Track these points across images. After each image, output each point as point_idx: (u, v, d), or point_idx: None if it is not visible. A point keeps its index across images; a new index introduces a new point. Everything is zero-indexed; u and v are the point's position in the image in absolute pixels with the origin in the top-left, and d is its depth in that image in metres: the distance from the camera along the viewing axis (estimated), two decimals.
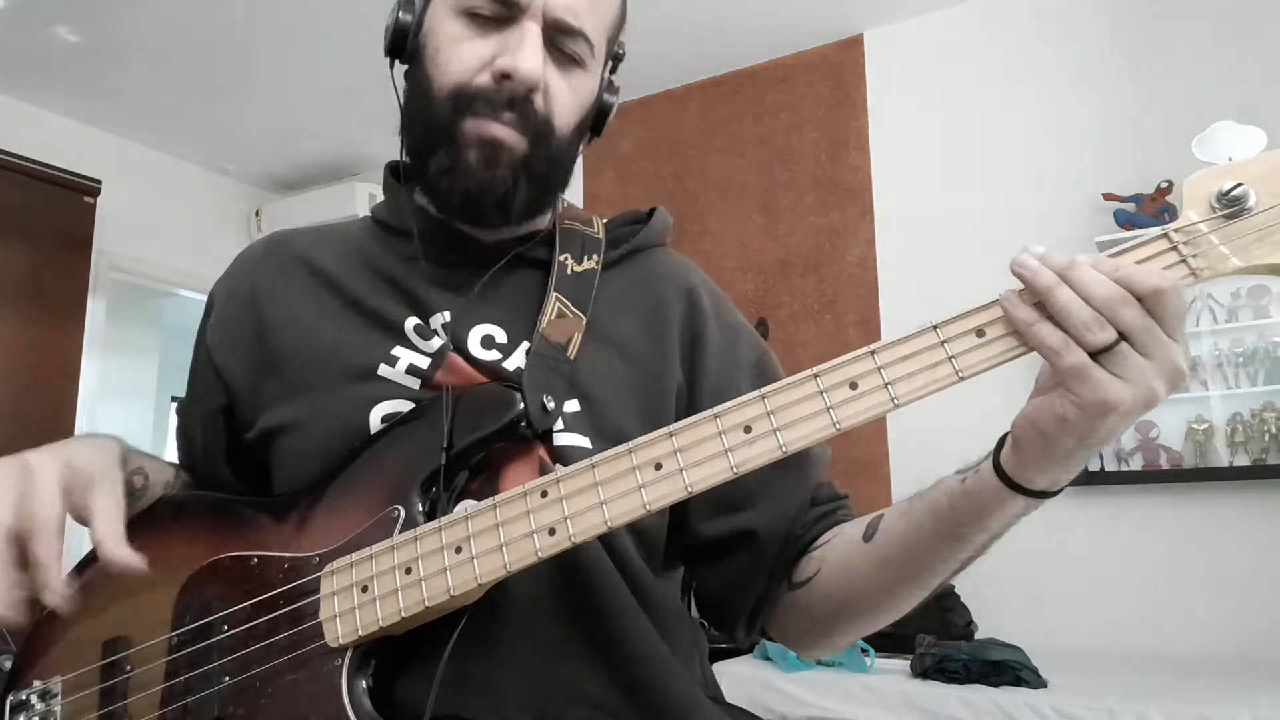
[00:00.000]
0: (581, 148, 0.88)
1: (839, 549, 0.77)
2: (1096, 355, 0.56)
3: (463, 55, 0.77)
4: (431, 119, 0.78)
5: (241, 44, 3.42)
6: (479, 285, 0.82)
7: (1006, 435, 0.63)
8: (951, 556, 0.68)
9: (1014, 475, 0.62)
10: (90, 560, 0.76)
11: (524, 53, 0.75)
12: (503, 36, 0.76)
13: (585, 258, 0.85)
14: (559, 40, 0.77)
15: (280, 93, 3.79)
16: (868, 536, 0.74)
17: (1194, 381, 2.73)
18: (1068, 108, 3.03)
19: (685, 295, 0.87)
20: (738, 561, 0.80)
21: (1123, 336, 0.56)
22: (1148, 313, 0.56)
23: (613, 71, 0.88)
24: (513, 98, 0.76)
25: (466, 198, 0.78)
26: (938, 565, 0.69)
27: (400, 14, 0.81)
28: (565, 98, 0.79)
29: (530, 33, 0.75)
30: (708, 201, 3.69)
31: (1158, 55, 2.92)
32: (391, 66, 0.84)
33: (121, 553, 0.68)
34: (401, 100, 0.83)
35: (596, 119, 0.86)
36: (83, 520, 0.70)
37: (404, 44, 0.81)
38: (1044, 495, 0.62)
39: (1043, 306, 0.57)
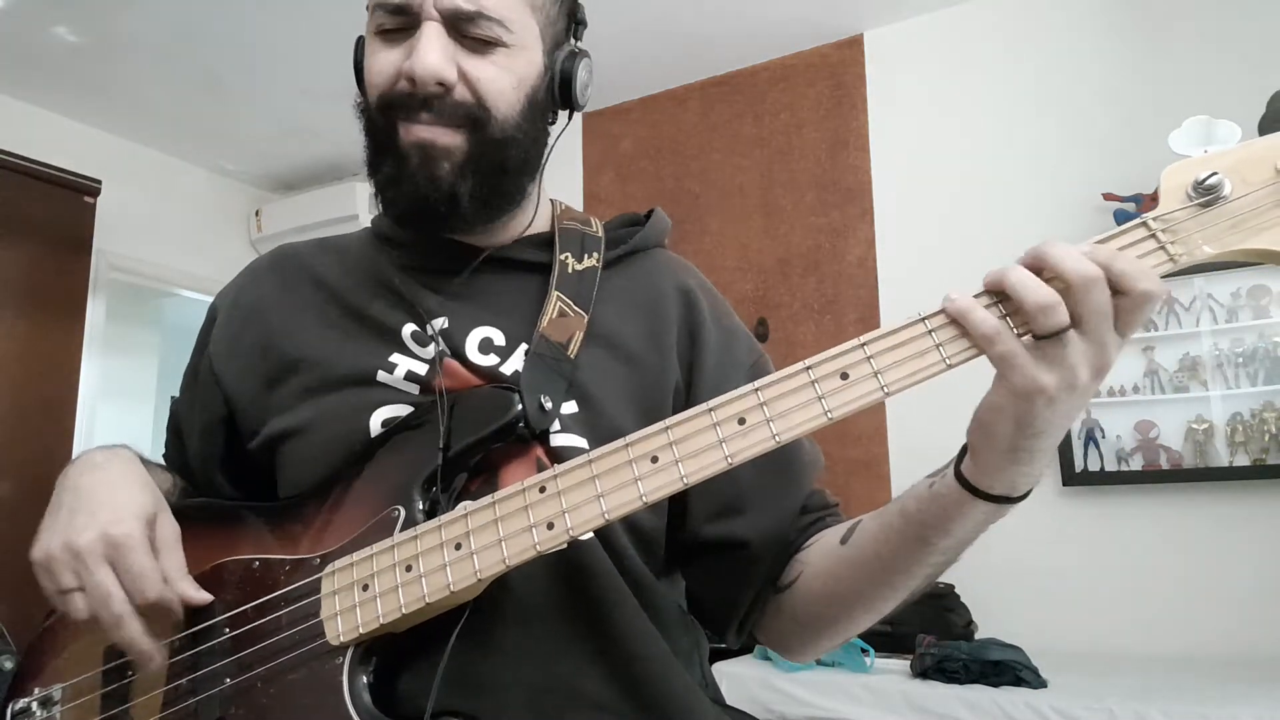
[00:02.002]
0: (560, 122, 0.87)
1: (819, 552, 0.79)
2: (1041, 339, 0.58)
3: (380, 69, 0.79)
4: (373, 136, 0.80)
5: (241, 44, 3.42)
6: (462, 279, 0.83)
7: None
8: (922, 560, 0.69)
9: (972, 480, 0.63)
10: None
11: (417, 52, 0.75)
12: (409, 43, 0.77)
13: (586, 256, 0.85)
14: (463, 28, 0.77)
15: (280, 93, 3.79)
16: (845, 540, 0.76)
17: (1194, 381, 2.73)
18: (1068, 108, 3.03)
19: (683, 296, 0.87)
20: (731, 566, 0.81)
21: (1073, 318, 0.57)
22: (1116, 305, 0.57)
23: (577, 37, 0.87)
24: (426, 98, 0.76)
25: (411, 204, 0.78)
26: (910, 569, 0.70)
27: (355, 53, 0.86)
28: (492, 78, 0.78)
29: (427, 31, 0.76)
30: (708, 201, 3.69)
31: (1158, 55, 2.92)
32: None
33: (188, 590, 0.73)
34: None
35: (564, 90, 0.84)
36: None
37: (360, 82, 0.84)
38: (1005, 500, 0.64)
39: (988, 297, 0.60)
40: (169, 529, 0.75)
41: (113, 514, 0.71)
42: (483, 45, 0.77)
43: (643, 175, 3.86)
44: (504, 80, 0.78)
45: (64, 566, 0.71)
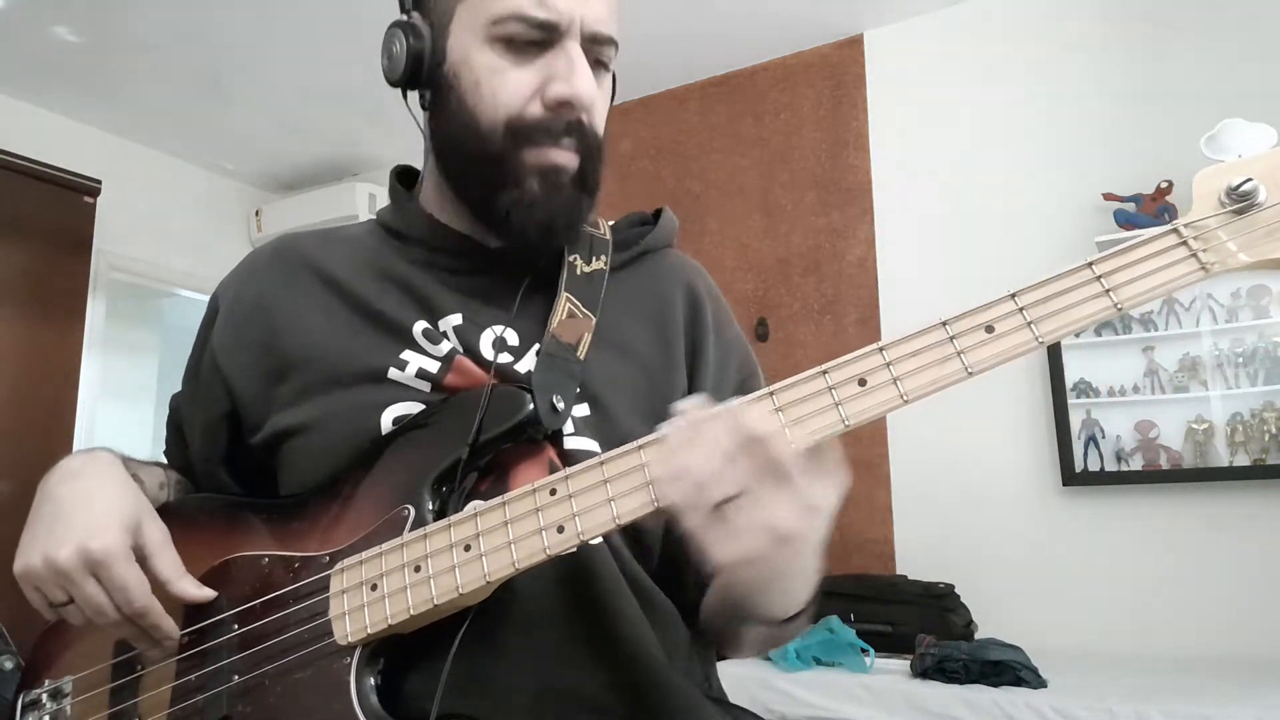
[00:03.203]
0: None
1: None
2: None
3: (510, 86, 0.75)
4: (484, 154, 0.76)
5: (241, 44, 3.42)
6: (474, 277, 0.82)
7: None
8: (744, 640, 0.74)
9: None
10: None
11: (578, 78, 0.74)
12: (546, 61, 0.75)
13: (594, 258, 0.85)
14: (595, 51, 0.77)
15: (280, 93, 3.79)
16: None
17: (1194, 381, 2.74)
18: (1068, 108, 3.03)
19: (690, 301, 0.87)
20: (665, 575, 0.82)
21: (746, 481, 0.57)
22: (760, 462, 0.57)
23: None
24: (569, 123, 0.76)
25: (542, 229, 0.77)
26: (737, 637, 0.75)
27: (410, 41, 0.78)
28: (602, 105, 0.80)
29: (575, 54, 0.75)
30: (708, 201, 3.69)
31: (1158, 55, 2.92)
32: (405, 95, 0.83)
33: (188, 588, 0.74)
34: (426, 128, 0.83)
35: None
36: (139, 558, 0.74)
37: (421, 73, 0.79)
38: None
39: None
40: (155, 532, 0.75)
41: (90, 526, 0.71)
42: (602, 70, 0.79)
43: (643, 175, 3.86)
44: (606, 107, 0.82)
45: (48, 582, 0.71)
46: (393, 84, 0.82)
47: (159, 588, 0.73)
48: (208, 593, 0.74)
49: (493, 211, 0.78)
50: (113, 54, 3.47)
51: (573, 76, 0.74)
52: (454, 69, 0.78)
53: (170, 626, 0.73)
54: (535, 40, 0.75)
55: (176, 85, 3.72)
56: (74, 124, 3.94)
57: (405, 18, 0.81)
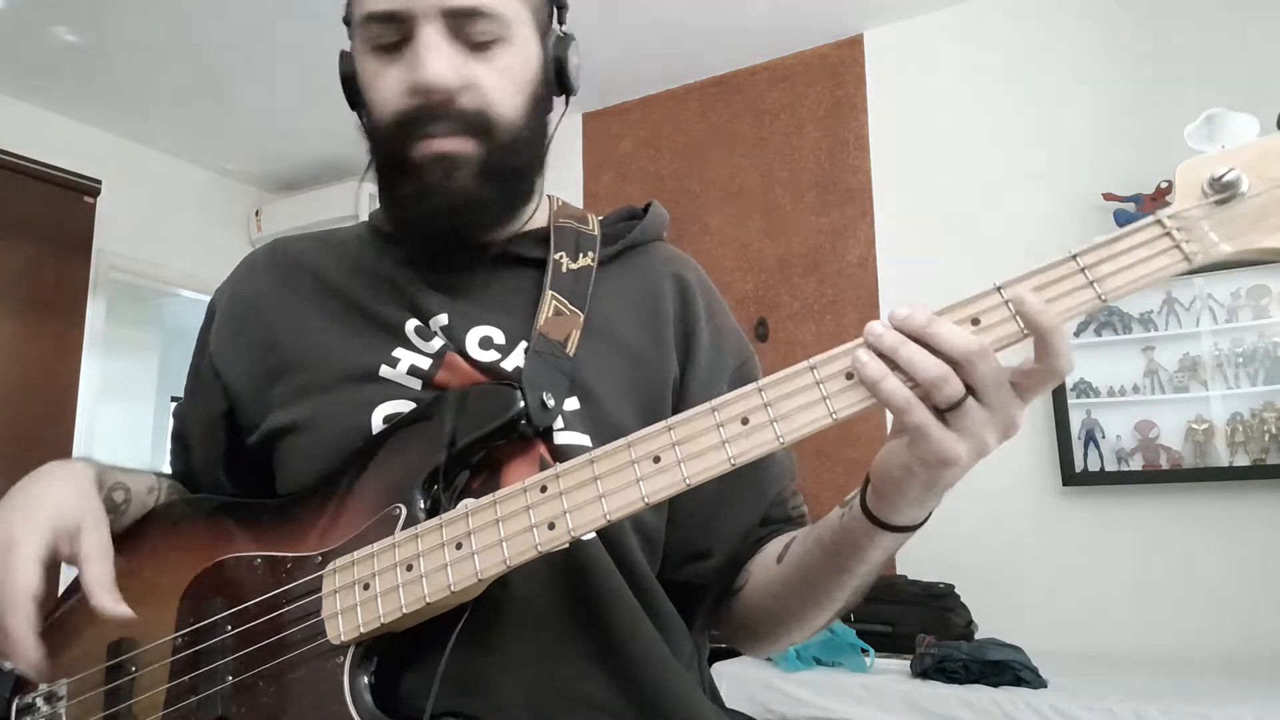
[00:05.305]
0: (558, 113, 0.86)
1: (760, 564, 0.81)
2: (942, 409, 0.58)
3: (385, 87, 0.76)
4: (386, 155, 0.78)
5: (241, 44, 3.43)
6: (462, 275, 0.82)
7: None
8: (841, 583, 0.72)
9: (876, 513, 0.65)
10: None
11: (422, 63, 0.73)
12: (409, 53, 0.75)
13: (581, 255, 0.85)
14: (464, 29, 0.74)
15: (280, 93, 3.79)
16: (780, 558, 0.78)
17: (1194, 381, 2.73)
18: (1068, 108, 3.03)
19: (680, 290, 0.87)
20: (694, 572, 0.83)
21: (970, 389, 0.57)
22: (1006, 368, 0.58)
23: (561, 21, 0.85)
24: (435, 109, 0.74)
25: (439, 217, 0.78)
26: (831, 590, 0.73)
27: (341, 68, 0.82)
28: (495, 82, 0.76)
29: (427, 38, 0.74)
30: (708, 201, 3.69)
31: (1157, 55, 2.93)
32: (359, 117, 0.84)
33: (107, 601, 0.72)
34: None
35: (559, 78, 0.83)
36: (74, 565, 0.73)
37: (353, 95, 0.82)
38: (909, 529, 0.66)
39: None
40: (93, 541, 0.74)
41: (11, 532, 0.71)
42: (483, 46, 0.76)
43: (643, 175, 3.86)
44: (507, 85, 0.77)
45: None
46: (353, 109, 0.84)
47: (83, 598, 0.72)
48: (125, 610, 0.72)
49: (398, 207, 0.80)
50: (113, 54, 3.48)
51: (420, 61, 0.73)
52: (361, 84, 0.80)
53: (27, 650, 0.71)
54: (395, 37, 0.75)
55: (176, 85, 3.72)
56: (74, 124, 3.95)
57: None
